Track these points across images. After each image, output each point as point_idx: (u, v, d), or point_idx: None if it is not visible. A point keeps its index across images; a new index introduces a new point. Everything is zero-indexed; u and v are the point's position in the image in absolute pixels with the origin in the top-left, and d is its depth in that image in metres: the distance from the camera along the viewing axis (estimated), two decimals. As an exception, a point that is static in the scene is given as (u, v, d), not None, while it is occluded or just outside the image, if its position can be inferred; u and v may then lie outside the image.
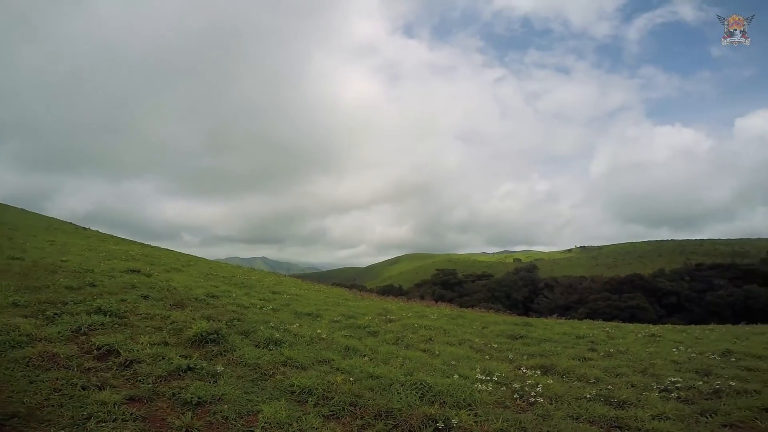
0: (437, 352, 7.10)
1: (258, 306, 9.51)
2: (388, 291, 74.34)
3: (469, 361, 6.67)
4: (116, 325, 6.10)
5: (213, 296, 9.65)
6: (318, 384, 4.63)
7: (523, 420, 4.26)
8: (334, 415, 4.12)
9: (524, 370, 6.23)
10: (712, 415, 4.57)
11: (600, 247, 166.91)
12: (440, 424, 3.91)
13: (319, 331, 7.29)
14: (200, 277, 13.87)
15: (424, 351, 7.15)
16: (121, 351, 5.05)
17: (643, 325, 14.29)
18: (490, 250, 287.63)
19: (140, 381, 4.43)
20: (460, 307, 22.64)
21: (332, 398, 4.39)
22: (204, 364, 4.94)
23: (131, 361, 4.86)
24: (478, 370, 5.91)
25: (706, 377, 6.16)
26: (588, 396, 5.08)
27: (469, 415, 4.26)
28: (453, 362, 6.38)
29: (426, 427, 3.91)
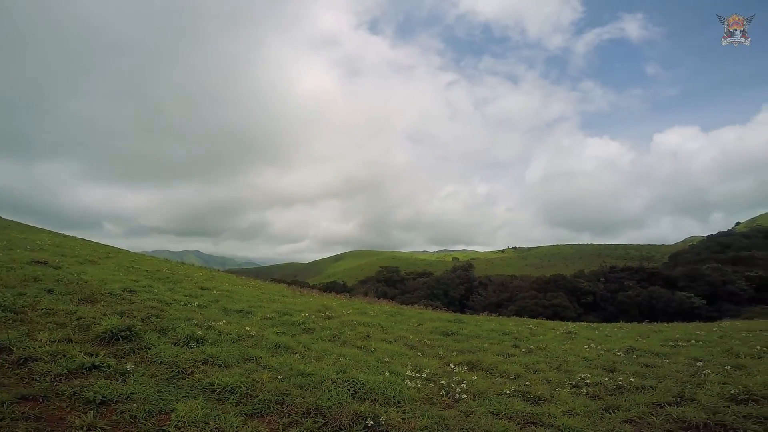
0: (373, 349, 7.11)
1: (182, 302, 8.90)
2: (331, 288, 73.54)
3: (403, 357, 6.76)
4: (10, 321, 5.55)
5: (131, 291, 8.95)
6: (241, 382, 4.48)
7: (447, 417, 4.38)
8: (258, 413, 4.02)
9: (452, 367, 6.42)
10: (615, 410, 4.81)
11: (530, 249, 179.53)
12: (369, 422, 3.92)
13: (248, 328, 7.00)
14: (119, 270, 12.77)
15: (360, 348, 7.14)
16: (13, 348, 4.65)
17: (563, 323, 15.51)
18: (431, 249, 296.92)
19: (36, 380, 4.10)
20: (401, 304, 23.09)
21: (256, 396, 4.27)
22: (112, 362, 4.65)
23: (26, 359, 4.48)
24: (409, 366, 6.00)
25: (611, 373, 6.55)
26: (508, 392, 5.32)
27: (398, 412, 4.31)
28: (387, 359, 6.41)
29: (355, 424, 3.91)
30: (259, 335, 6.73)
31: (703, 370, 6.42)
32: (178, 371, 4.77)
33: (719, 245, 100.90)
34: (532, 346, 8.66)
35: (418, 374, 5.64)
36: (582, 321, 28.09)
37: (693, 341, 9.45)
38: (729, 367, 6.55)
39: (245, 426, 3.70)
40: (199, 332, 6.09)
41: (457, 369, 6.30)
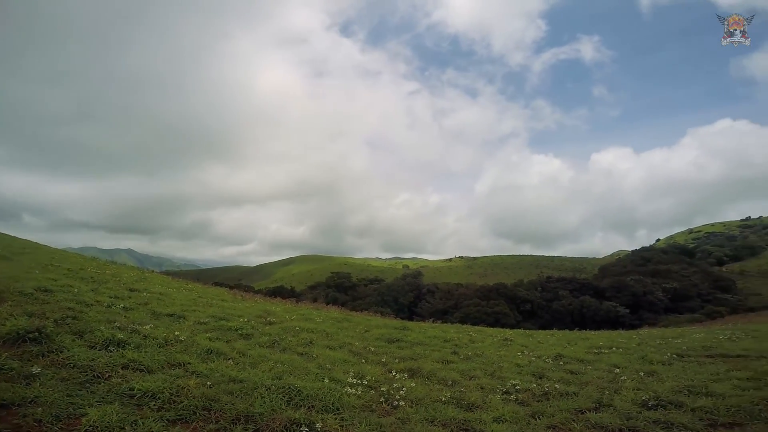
0: (315, 355, 6.95)
1: (105, 304, 8.17)
2: (278, 292, 71.23)
3: (345, 364, 6.67)
4: None
5: (46, 291, 8.13)
6: (164, 388, 4.24)
7: (385, 424, 4.36)
8: (182, 419, 3.86)
9: (394, 374, 6.44)
10: (540, 417, 4.96)
11: (475, 258, 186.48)
12: (304, 429, 3.87)
13: (177, 333, 6.57)
14: (35, 267, 11.59)
15: (300, 354, 6.95)
16: None
17: (501, 330, 16.19)
18: (384, 256, 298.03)
19: None
20: (351, 311, 22.89)
21: (181, 402, 4.06)
22: (15, 365, 4.27)
23: None
24: (351, 373, 5.93)
25: (540, 380, 6.77)
26: (444, 399, 5.39)
27: (336, 419, 4.26)
28: (329, 366, 6.30)
29: (289, 431, 3.85)
30: (189, 340, 6.34)
31: (620, 377, 6.89)
32: (94, 375, 4.44)
33: (641, 259, 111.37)
34: (470, 353, 8.90)
35: (359, 381, 5.60)
36: (520, 328, 29.66)
37: (614, 348, 10.14)
38: (643, 374, 7.09)
39: (166, 431, 3.56)
40: (120, 336, 5.64)
41: (398, 376, 6.32)
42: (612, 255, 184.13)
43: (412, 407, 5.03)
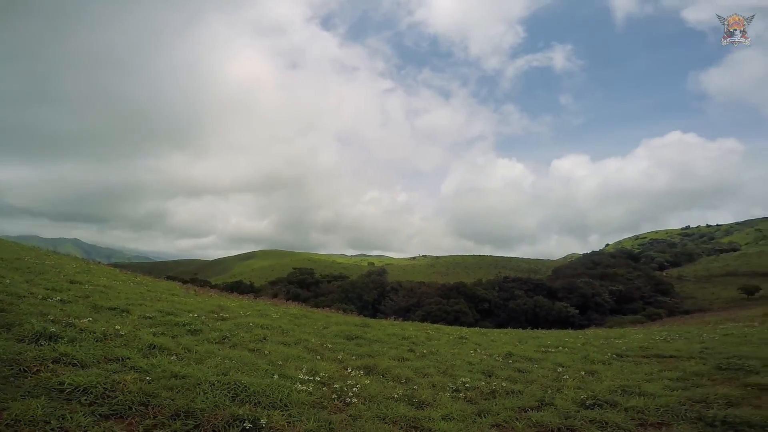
0: (267, 352, 6.81)
1: (40, 296, 7.63)
2: (236, 288, 69.10)
3: (299, 361, 6.57)
4: None
5: None
6: (98, 382, 4.07)
7: (334, 420, 4.34)
8: (116, 414, 3.74)
9: (350, 370, 6.42)
10: (486, 415, 5.04)
11: (438, 257, 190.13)
12: (248, 425, 3.81)
13: (118, 327, 6.25)
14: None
15: (252, 351, 6.79)
16: None
17: (457, 328, 16.60)
18: (349, 253, 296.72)
19: None
20: (313, 307, 22.59)
21: (116, 397, 3.93)
22: None
23: None
24: (304, 370, 5.85)
25: (489, 378, 6.89)
26: (396, 396, 5.42)
27: (283, 415, 4.21)
28: (280, 362, 6.18)
29: (232, 427, 3.78)
30: (131, 335, 6.06)
31: (563, 376, 7.15)
32: (20, 369, 4.20)
33: (592, 262, 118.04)
34: (425, 351, 9.04)
35: (312, 378, 5.53)
36: (478, 326, 30.61)
37: (561, 348, 10.57)
38: (584, 373, 7.37)
39: (97, 426, 3.44)
40: (53, 329, 5.32)
41: (353, 373, 6.31)
42: (565, 257, 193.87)
43: (364, 404, 5.03)
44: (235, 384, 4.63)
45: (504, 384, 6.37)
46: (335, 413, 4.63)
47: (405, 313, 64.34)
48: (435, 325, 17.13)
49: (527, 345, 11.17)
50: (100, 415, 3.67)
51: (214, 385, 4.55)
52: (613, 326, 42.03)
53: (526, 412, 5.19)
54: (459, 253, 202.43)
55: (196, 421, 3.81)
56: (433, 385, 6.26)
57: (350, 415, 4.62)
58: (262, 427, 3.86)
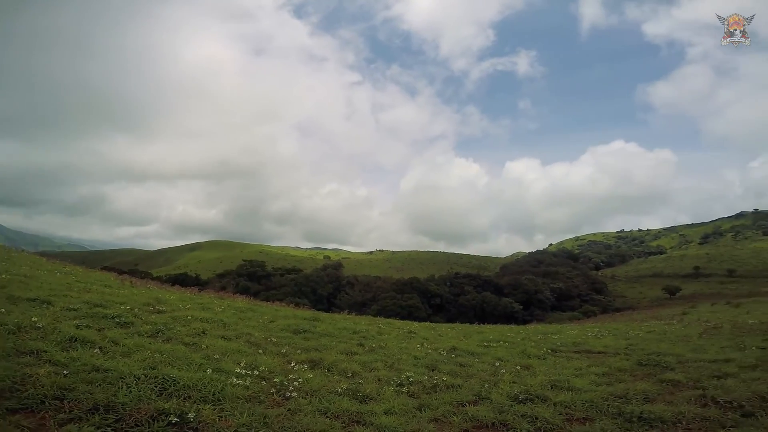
0: (205, 346, 6.51)
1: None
2: (179, 280, 65.67)
3: (238, 355, 6.34)
4: None
5: None
6: (6, 376, 3.89)
7: (270, 415, 4.22)
8: (25, 408, 3.58)
9: (293, 365, 6.26)
10: (426, 409, 5.05)
11: (394, 252, 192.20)
12: (173, 418, 3.70)
13: (35, 319, 5.74)
14: None
15: (187, 345, 6.46)
16: None
17: (408, 323, 16.78)
18: (304, 246, 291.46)
19: None
20: (264, 301, 21.90)
21: (26, 391, 3.74)
22: None
23: None
24: (243, 364, 5.65)
25: (432, 372, 6.88)
26: (339, 390, 5.34)
27: (214, 409, 4.09)
28: (217, 357, 5.94)
29: (156, 421, 3.67)
30: (49, 327, 5.64)
31: (500, 370, 7.28)
32: None
33: (536, 261, 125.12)
34: (374, 345, 9.01)
35: (250, 372, 5.35)
36: (430, 321, 31.33)
37: (502, 342, 10.89)
38: (520, 367, 7.54)
39: (1, 420, 3.38)
40: None
41: (297, 367, 6.15)
42: (512, 255, 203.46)
43: (305, 398, 4.93)
44: (164, 378, 4.45)
45: (445, 378, 6.42)
46: (272, 407, 4.51)
47: (361, 308, 64.59)
48: (387, 320, 17.20)
49: (471, 340, 11.37)
50: (6, 409, 3.52)
51: (139, 379, 4.37)
52: (552, 322, 44.72)
53: (463, 406, 5.23)
54: (415, 249, 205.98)
55: (117, 416, 3.67)
56: (379, 380, 6.24)
57: (289, 410, 4.51)
58: (190, 421, 3.75)
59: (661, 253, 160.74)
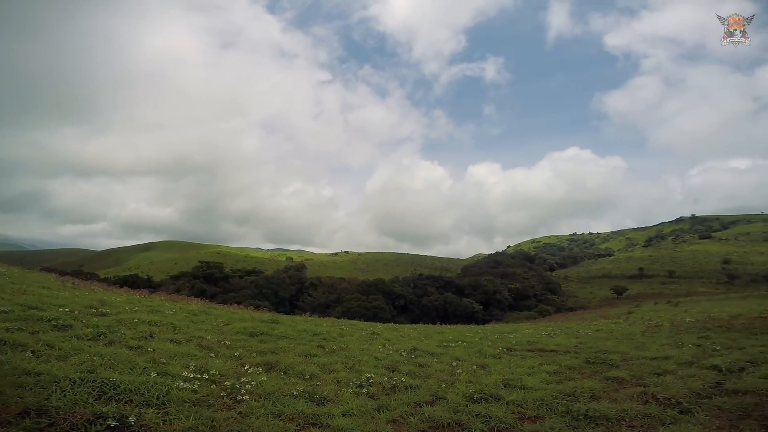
0: (150, 349, 6.16)
1: None
2: (129, 282, 61.98)
3: (187, 358, 6.06)
4: None
5: None
6: None
7: (219, 418, 4.08)
8: None
9: (247, 368, 6.06)
10: (384, 410, 5.03)
11: (360, 254, 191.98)
12: (112, 422, 3.56)
13: None
14: None
15: (132, 348, 6.10)
16: None
17: (371, 324, 16.77)
18: (266, 247, 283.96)
19: None
20: (221, 304, 21.10)
21: None
22: None
23: None
24: (191, 368, 5.41)
25: (392, 373, 6.87)
26: (295, 393, 5.22)
27: (158, 413, 3.94)
28: (164, 360, 5.63)
29: (94, 425, 3.56)
30: None
31: (457, 370, 7.37)
32: None
33: (495, 262, 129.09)
34: (335, 347, 8.90)
35: (199, 376, 5.12)
36: (394, 322, 31.53)
37: (461, 342, 11.05)
38: (476, 367, 7.64)
39: None
40: None
41: (251, 370, 5.96)
42: (473, 257, 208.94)
43: (258, 401, 4.78)
44: (102, 382, 4.27)
45: (404, 379, 6.42)
46: (222, 411, 4.35)
47: (325, 310, 63.83)
48: (351, 322, 17.08)
49: (431, 340, 11.47)
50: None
51: (75, 382, 4.17)
52: (510, 321, 46.37)
53: (420, 407, 5.24)
54: (380, 250, 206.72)
55: (50, 419, 3.54)
56: (338, 381, 6.15)
57: (240, 413, 4.37)
58: (131, 425, 3.64)
59: (609, 255, 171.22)
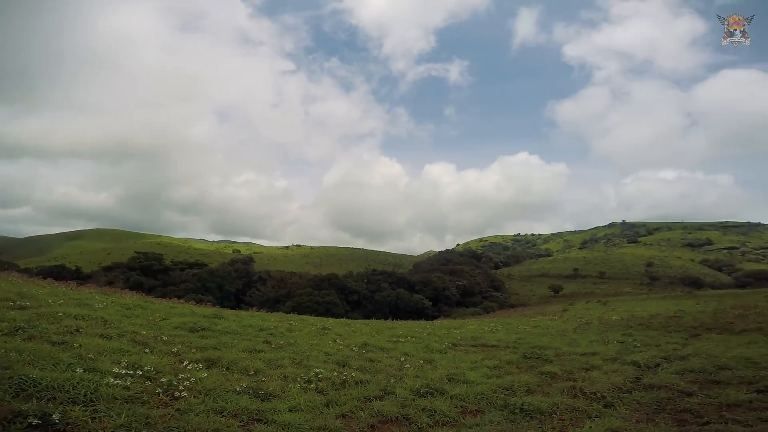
0: (77, 345, 5.71)
1: None
2: (55, 273, 56.45)
3: (119, 354, 5.70)
4: None
5: None
6: None
7: (154, 415, 3.89)
8: None
9: (186, 364, 5.81)
10: (334, 405, 5.05)
11: (312, 248, 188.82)
12: (34, 420, 3.34)
13: None
14: None
15: (55, 344, 5.64)
16: None
17: (322, 319, 16.58)
18: (211, 238, 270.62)
19: None
20: (159, 298, 19.88)
21: None
22: None
23: None
24: (123, 364, 5.08)
25: (342, 368, 6.90)
26: (239, 389, 5.08)
27: (86, 411, 3.70)
28: (92, 356, 5.25)
29: (12, 423, 3.33)
30: None
31: (405, 365, 7.51)
32: None
33: (445, 259, 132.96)
34: (282, 342, 8.73)
35: (132, 372, 4.84)
36: (347, 317, 31.40)
37: (410, 337, 11.27)
38: (423, 362, 7.83)
39: None
40: None
41: (190, 366, 5.71)
42: (425, 254, 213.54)
43: (197, 398, 4.60)
44: (20, 379, 3.95)
45: (354, 374, 6.45)
46: (158, 408, 4.15)
47: (274, 305, 62.08)
48: (301, 317, 16.82)
49: (382, 335, 11.60)
50: None
51: None
52: (457, 317, 48.01)
53: (370, 401, 5.30)
54: (334, 245, 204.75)
55: None
56: (285, 377, 6.06)
57: (177, 410, 4.18)
58: (56, 423, 3.41)
59: (548, 255, 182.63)
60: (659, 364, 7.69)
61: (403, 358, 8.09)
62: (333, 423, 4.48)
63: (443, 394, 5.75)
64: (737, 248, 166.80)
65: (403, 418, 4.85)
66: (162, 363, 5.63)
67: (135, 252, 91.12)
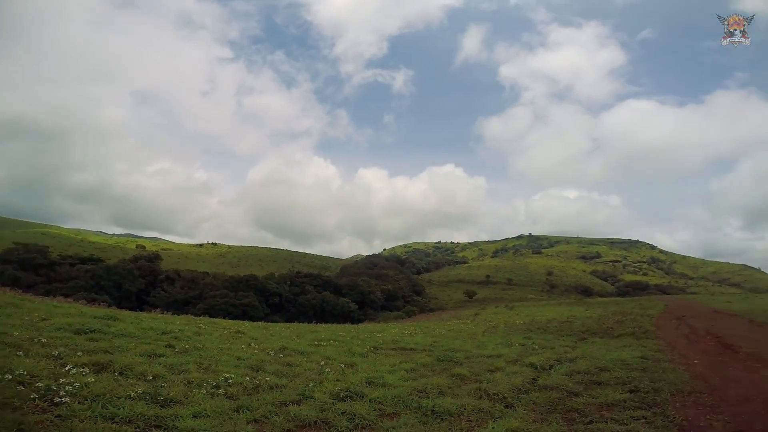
0: None
1: None
2: None
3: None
4: None
5: None
6: None
7: (29, 422, 3.49)
8: None
9: (69, 368, 5.17)
10: (245, 410, 4.87)
11: (230, 247, 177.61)
12: None
13: None
14: None
15: None
16: None
17: (235, 322, 15.67)
18: (111, 231, 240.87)
19: None
20: (42, 296, 17.27)
21: None
22: None
23: None
24: (-11, 369, 4.31)
25: (256, 372, 6.68)
26: (133, 394, 4.66)
27: None
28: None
29: None
30: None
31: (326, 369, 7.41)
32: None
33: (371, 263, 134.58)
34: (187, 346, 8.10)
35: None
36: (267, 320, 29.91)
37: (332, 341, 11.15)
38: (344, 365, 7.79)
39: None
40: None
41: (75, 370, 5.09)
42: (353, 257, 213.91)
43: (82, 404, 4.15)
44: None
45: (269, 379, 6.24)
46: (34, 414, 3.71)
47: (182, 307, 57.28)
48: (212, 320, 15.68)
49: (303, 339, 11.33)
50: None
51: None
52: (381, 321, 48.71)
53: (286, 406, 5.16)
54: (255, 245, 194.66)
55: None
56: (189, 382, 5.64)
57: (58, 416, 3.77)
58: None
59: (465, 262, 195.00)
60: (552, 366, 8.30)
61: (323, 362, 7.97)
62: (244, 428, 4.28)
63: (363, 397, 5.75)
64: (620, 261, 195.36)
65: (322, 422, 4.78)
66: (39, 367, 4.98)
67: (13, 243, 77.50)
